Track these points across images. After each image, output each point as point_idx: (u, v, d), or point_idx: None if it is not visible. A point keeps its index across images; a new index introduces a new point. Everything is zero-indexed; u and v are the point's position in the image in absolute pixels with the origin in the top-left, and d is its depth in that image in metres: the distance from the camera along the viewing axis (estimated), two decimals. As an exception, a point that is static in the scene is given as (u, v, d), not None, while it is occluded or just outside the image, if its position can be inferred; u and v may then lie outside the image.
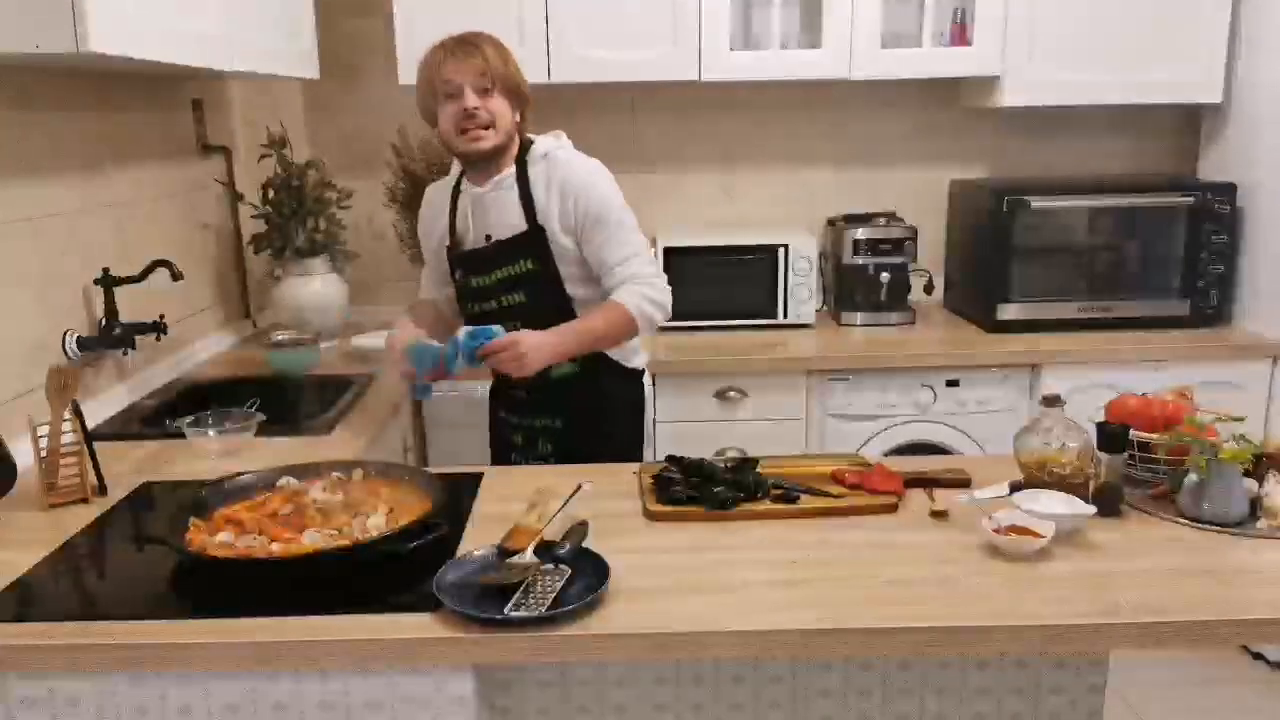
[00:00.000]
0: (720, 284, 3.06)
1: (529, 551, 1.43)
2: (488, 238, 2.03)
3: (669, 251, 3.01)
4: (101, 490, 1.77)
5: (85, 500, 1.74)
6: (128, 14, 1.76)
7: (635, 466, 1.84)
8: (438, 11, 2.86)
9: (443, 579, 1.37)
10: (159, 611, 1.35)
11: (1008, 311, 2.98)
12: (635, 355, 2.18)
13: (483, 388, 2.29)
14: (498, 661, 1.34)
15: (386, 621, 1.31)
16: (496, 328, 1.89)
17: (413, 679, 1.31)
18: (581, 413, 2.09)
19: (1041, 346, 2.86)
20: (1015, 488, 1.63)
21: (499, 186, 2.02)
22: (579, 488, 1.63)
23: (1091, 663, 1.63)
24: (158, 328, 2.33)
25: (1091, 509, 1.54)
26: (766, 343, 2.94)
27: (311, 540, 1.46)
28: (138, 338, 2.31)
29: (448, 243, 2.12)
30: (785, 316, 3.06)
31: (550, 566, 1.41)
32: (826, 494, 1.68)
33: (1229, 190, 2.92)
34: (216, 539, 1.48)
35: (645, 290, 1.98)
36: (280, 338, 2.75)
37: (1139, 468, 1.68)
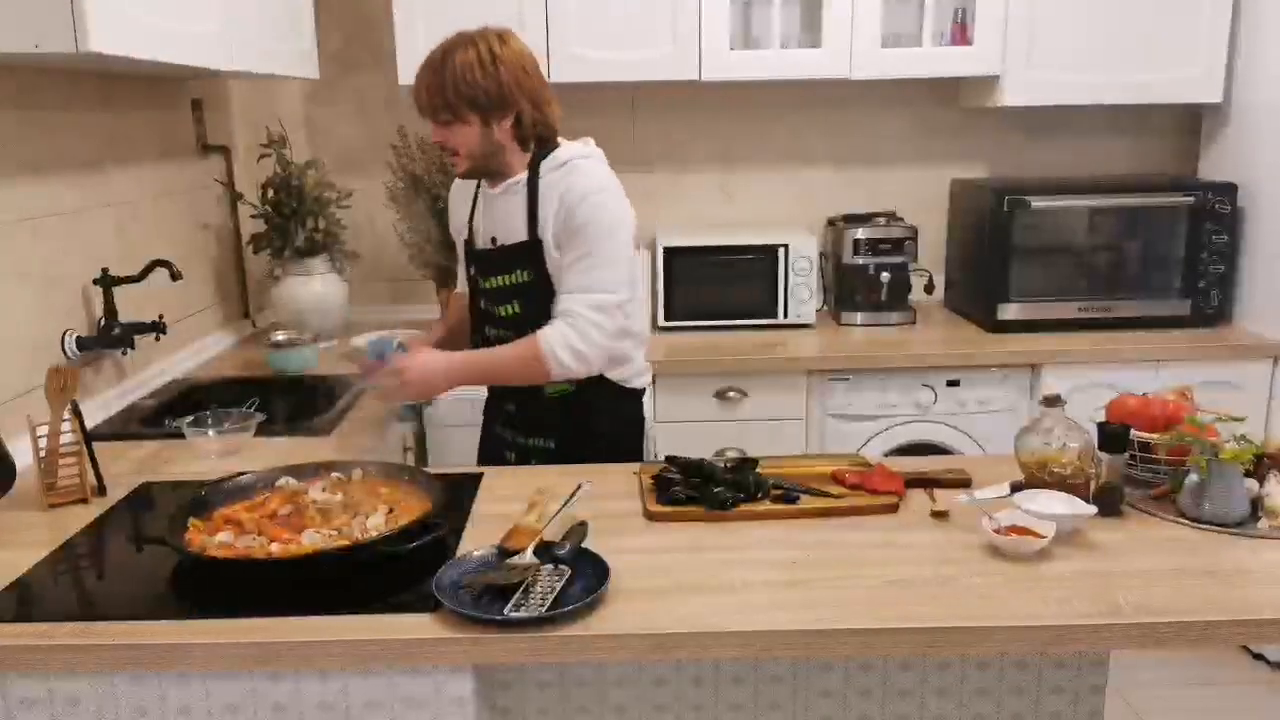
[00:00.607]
0: (720, 284, 3.06)
1: (529, 551, 1.43)
2: (493, 240, 1.99)
3: (669, 251, 3.01)
4: (101, 490, 1.77)
5: (85, 500, 1.74)
6: (128, 14, 1.76)
7: (635, 466, 1.84)
8: (438, 11, 2.86)
9: (443, 579, 1.36)
10: (159, 611, 1.35)
11: (1008, 311, 2.98)
12: (638, 376, 2.08)
13: (483, 391, 2.27)
14: (498, 661, 1.34)
15: (386, 621, 1.31)
16: (395, 340, 1.90)
17: (412, 679, 1.31)
18: (575, 435, 2.00)
19: (1041, 346, 2.85)
20: (1016, 488, 1.63)
21: (509, 191, 1.95)
22: (579, 488, 1.63)
23: (1092, 663, 1.63)
24: (157, 328, 2.33)
25: (1092, 509, 1.53)
26: (766, 343, 2.94)
27: (311, 540, 1.46)
28: (137, 338, 2.31)
29: (465, 236, 2.08)
30: (785, 316, 3.06)
31: (550, 566, 1.41)
32: (826, 494, 1.68)
33: (1229, 190, 2.92)
34: (216, 539, 1.48)
35: (571, 336, 1.84)
36: (280, 338, 2.75)
37: (1139, 468, 1.68)
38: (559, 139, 1.97)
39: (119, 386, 2.37)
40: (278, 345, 2.69)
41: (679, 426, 2.83)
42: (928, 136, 3.34)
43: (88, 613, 1.36)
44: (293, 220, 2.92)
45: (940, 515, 1.61)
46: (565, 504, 1.59)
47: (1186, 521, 1.56)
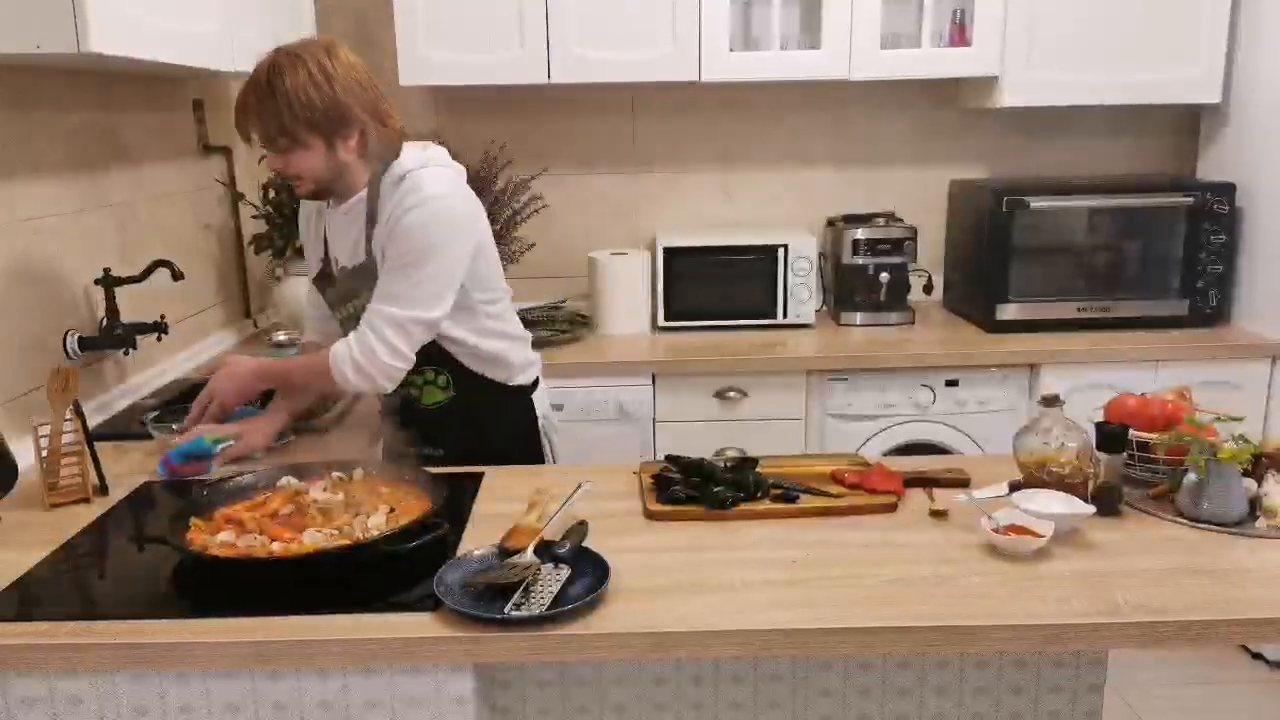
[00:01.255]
0: (720, 284, 3.06)
1: (529, 551, 1.43)
2: (335, 261, 1.91)
3: (669, 251, 3.01)
4: (102, 490, 1.78)
5: (86, 500, 1.74)
6: (128, 14, 1.77)
7: (635, 466, 1.84)
8: (437, 12, 2.87)
9: (443, 579, 1.37)
10: (159, 611, 1.35)
11: (1007, 311, 2.98)
12: (521, 373, 2.02)
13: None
14: (498, 661, 1.34)
15: (386, 621, 1.31)
16: (206, 438, 1.83)
17: (413, 679, 1.31)
18: (464, 441, 1.94)
19: (1041, 346, 2.86)
20: (1014, 487, 1.63)
21: (351, 209, 1.86)
22: (579, 487, 1.64)
23: (1091, 662, 1.64)
24: (158, 328, 2.33)
25: (1091, 509, 1.54)
26: (766, 343, 2.94)
27: (312, 540, 1.46)
28: (139, 338, 2.31)
29: (321, 257, 1.98)
30: (785, 316, 3.07)
31: (550, 566, 1.42)
32: (826, 494, 1.68)
33: (1228, 190, 2.93)
34: (217, 539, 1.48)
35: (355, 352, 1.78)
36: (281, 338, 2.75)
37: (1138, 468, 1.68)
38: (402, 147, 1.86)
39: (121, 386, 2.37)
40: (279, 345, 2.70)
41: (679, 426, 2.83)
42: (927, 137, 3.34)
43: (89, 612, 1.36)
44: (294, 220, 2.92)
45: (939, 515, 1.62)
46: (565, 503, 1.60)
47: (1185, 521, 1.57)
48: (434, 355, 1.92)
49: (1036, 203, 2.92)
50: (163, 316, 2.36)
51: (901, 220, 3.18)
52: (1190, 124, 3.27)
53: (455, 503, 1.64)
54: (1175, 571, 1.42)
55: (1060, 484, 1.60)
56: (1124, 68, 2.96)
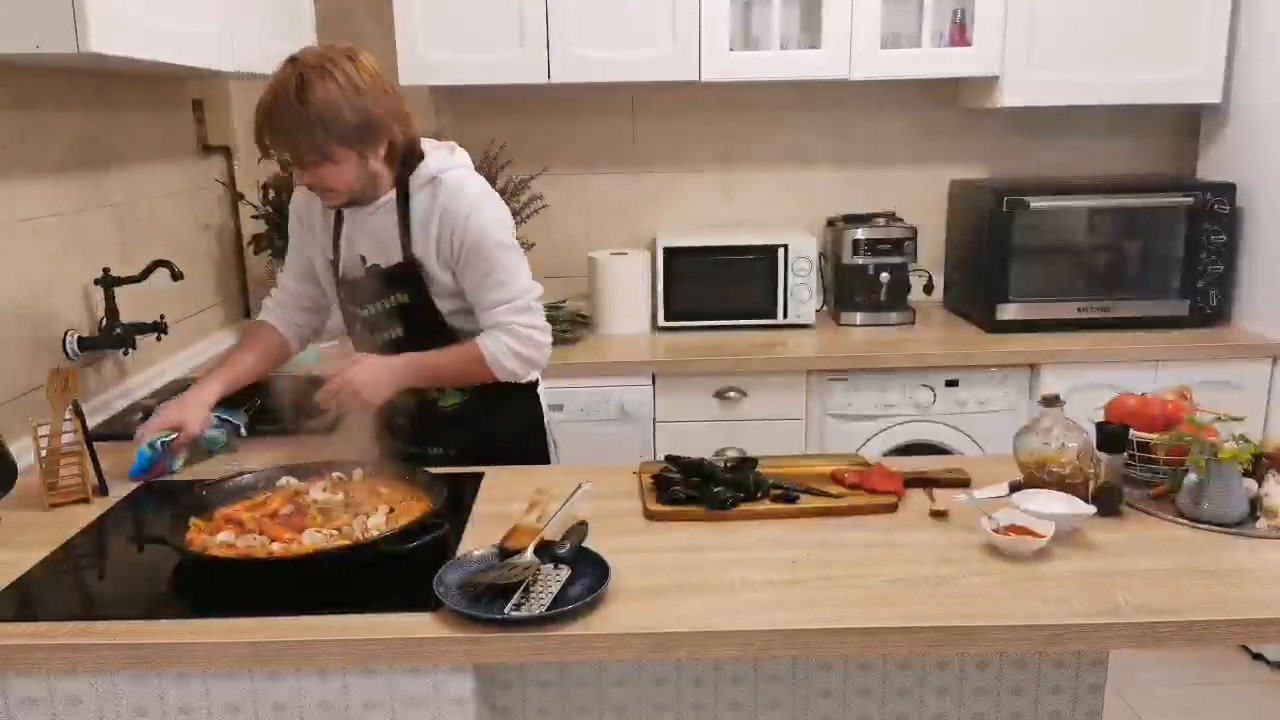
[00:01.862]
0: (720, 284, 3.06)
1: (529, 551, 1.43)
2: (363, 260, 1.90)
3: (669, 251, 3.01)
4: (102, 490, 1.78)
5: (86, 500, 1.74)
6: (128, 14, 1.77)
7: (635, 466, 1.84)
8: (437, 12, 2.87)
9: (443, 579, 1.37)
10: (159, 611, 1.35)
11: (1007, 311, 2.98)
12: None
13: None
14: (498, 661, 1.34)
15: (386, 621, 1.31)
16: (144, 448, 1.81)
17: (413, 679, 1.31)
18: (475, 439, 1.94)
19: (1041, 346, 2.86)
20: (1015, 488, 1.63)
21: (379, 209, 1.85)
22: (579, 487, 1.64)
23: (1091, 662, 1.64)
24: (158, 328, 2.33)
25: (1091, 509, 1.54)
26: (766, 343, 2.94)
27: (311, 540, 1.46)
28: (138, 338, 2.31)
29: (330, 256, 1.96)
30: (785, 316, 3.06)
31: (550, 566, 1.41)
32: (826, 494, 1.68)
33: (1228, 190, 2.93)
34: (217, 539, 1.48)
35: (513, 344, 1.85)
36: (280, 338, 2.75)
37: (1138, 468, 1.68)
38: (423, 146, 1.88)
39: (120, 386, 2.37)
40: (278, 345, 2.69)
41: (679, 426, 2.83)
42: (927, 137, 3.34)
43: (88, 612, 1.36)
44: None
45: (939, 515, 1.62)
46: (565, 504, 1.60)
47: (1185, 521, 1.57)
48: None
49: (1036, 203, 2.92)
50: (162, 316, 2.36)
51: (901, 220, 3.18)
52: (1190, 124, 3.27)
53: (455, 503, 1.64)
54: (1176, 572, 1.42)
55: (1060, 484, 1.60)
56: (1124, 68, 2.96)
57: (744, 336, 3.01)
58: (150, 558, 1.56)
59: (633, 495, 1.72)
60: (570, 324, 3.02)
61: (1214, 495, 1.55)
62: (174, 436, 1.84)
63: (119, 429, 2.16)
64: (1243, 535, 1.53)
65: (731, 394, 2.83)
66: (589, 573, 1.39)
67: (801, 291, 3.05)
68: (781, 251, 3.02)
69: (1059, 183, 3.11)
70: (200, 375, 1.99)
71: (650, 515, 1.64)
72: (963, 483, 1.72)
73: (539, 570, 1.40)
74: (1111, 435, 1.60)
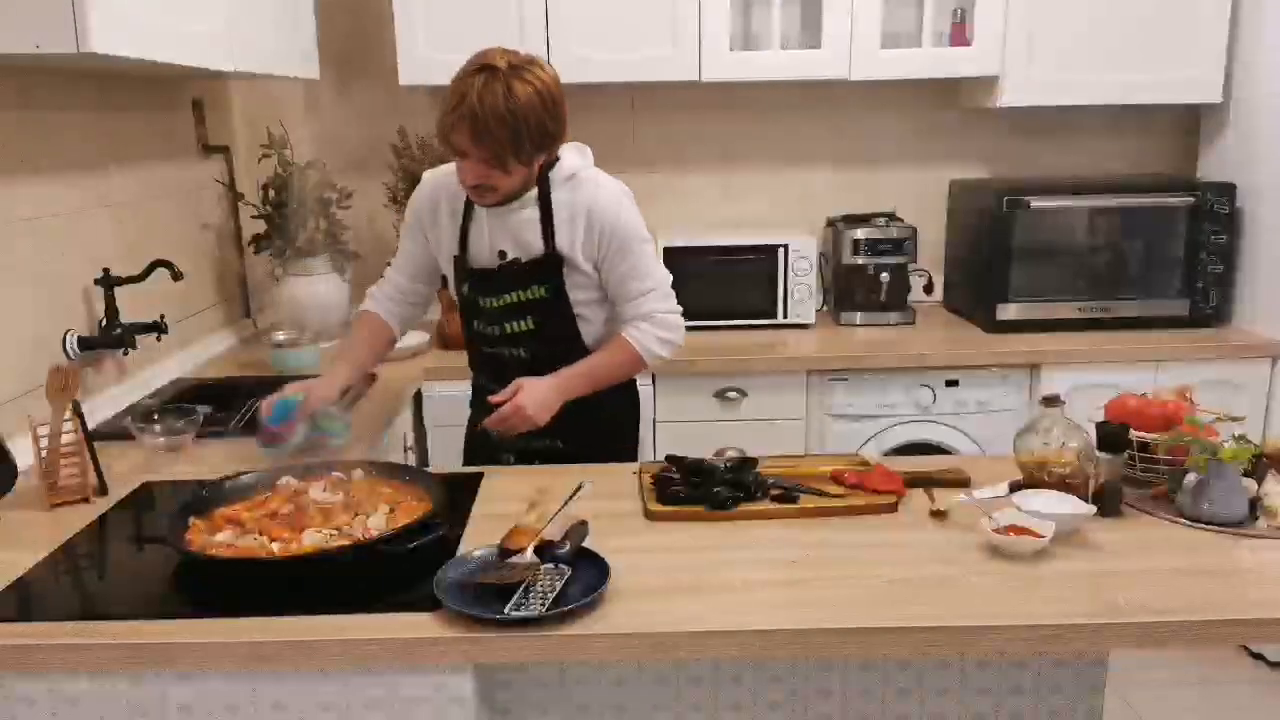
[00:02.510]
0: (720, 284, 3.06)
1: (529, 551, 1.43)
2: (502, 254, 1.94)
3: (669, 251, 3.01)
4: (102, 490, 1.78)
5: (86, 500, 1.74)
6: (128, 14, 1.77)
7: (635, 466, 1.84)
8: (438, 12, 2.87)
9: (443, 579, 1.37)
10: (159, 611, 1.35)
11: (1007, 311, 2.98)
12: None
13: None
14: (498, 661, 1.34)
15: (386, 621, 1.31)
16: (295, 399, 1.88)
17: (413, 679, 1.31)
18: (585, 431, 2.00)
19: (1041, 346, 2.86)
20: (1015, 488, 1.63)
21: (521, 204, 1.91)
22: (579, 487, 1.64)
23: (1091, 663, 1.64)
24: (158, 328, 2.33)
25: (1091, 509, 1.54)
26: (766, 343, 2.94)
27: (311, 540, 1.46)
28: (138, 338, 2.31)
29: (456, 252, 2.00)
30: (785, 316, 3.06)
31: (550, 566, 1.41)
32: (826, 494, 1.68)
33: (1229, 190, 2.92)
34: (217, 538, 1.48)
35: (658, 331, 1.97)
36: (281, 338, 2.75)
37: (1139, 468, 1.68)
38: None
39: (120, 386, 2.37)
40: (279, 345, 2.70)
41: (679, 426, 2.83)
42: (927, 137, 3.34)
43: (88, 612, 1.37)
44: (293, 220, 2.92)
45: (939, 515, 1.62)
46: (565, 504, 1.60)
47: (1185, 521, 1.57)
48: (576, 352, 1.99)
49: (1036, 203, 2.92)
50: (162, 316, 2.36)
51: (901, 220, 3.18)
52: (1190, 124, 3.26)
53: (455, 503, 1.64)
54: (1176, 572, 1.42)
55: (1061, 484, 1.60)
56: (1124, 68, 2.96)
57: (744, 336, 3.01)
58: (150, 558, 1.56)
59: (633, 495, 1.72)
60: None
61: (1214, 495, 1.55)
62: (302, 398, 1.88)
63: (119, 429, 2.16)
64: (1243, 535, 1.53)
65: (731, 394, 2.83)
66: (589, 573, 1.39)
67: (801, 291, 3.05)
68: (781, 251, 3.02)
69: (1059, 183, 3.11)
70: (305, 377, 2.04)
71: (650, 515, 1.64)
72: (963, 483, 1.72)
73: (539, 570, 1.40)
74: (1111, 435, 1.60)
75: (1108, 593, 1.36)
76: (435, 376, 2.76)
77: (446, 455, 2.77)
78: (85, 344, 2.19)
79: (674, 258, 3.01)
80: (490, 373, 2.05)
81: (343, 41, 3.22)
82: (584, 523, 1.51)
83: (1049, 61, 2.95)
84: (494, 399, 1.89)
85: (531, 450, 2.03)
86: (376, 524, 1.51)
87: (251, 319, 3.16)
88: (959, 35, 3.05)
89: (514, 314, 1.97)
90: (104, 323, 2.27)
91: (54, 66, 2.05)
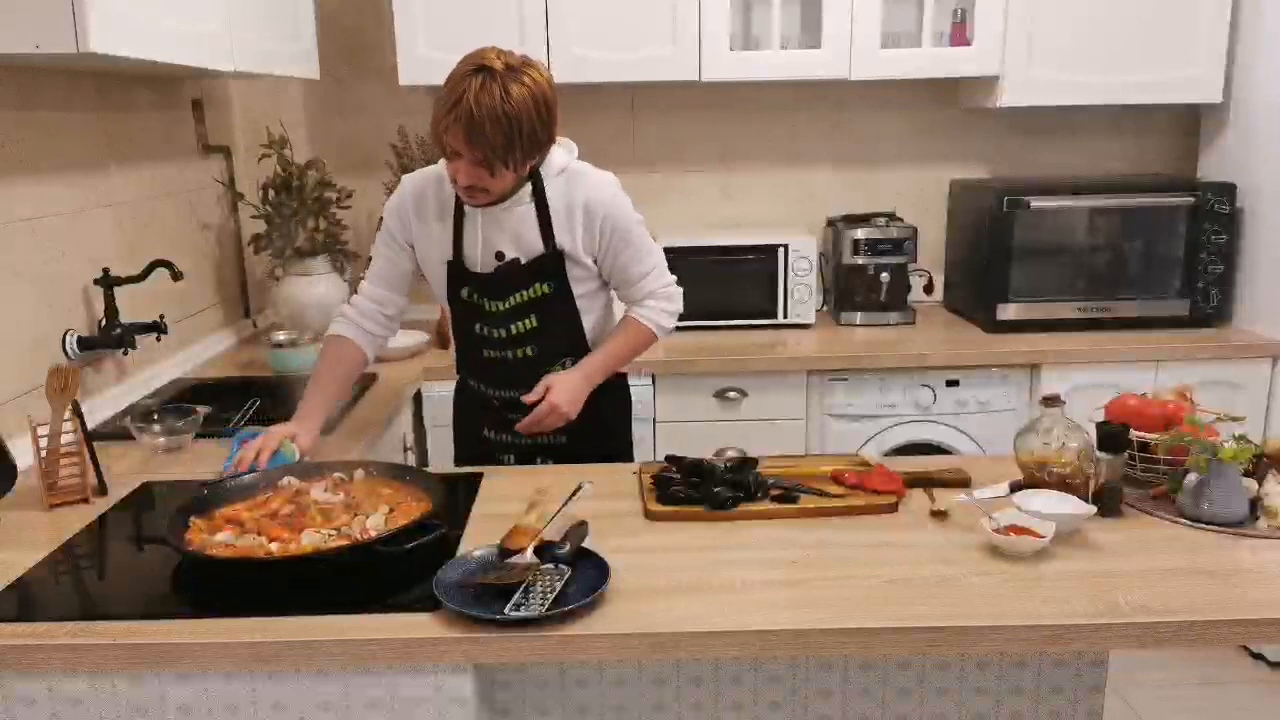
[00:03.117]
0: (720, 284, 3.06)
1: (529, 551, 1.43)
2: (499, 255, 1.91)
3: (669, 251, 2.98)
4: (102, 490, 1.78)
5: (85, 500, 1.74)
6: (128, 14, 1.77)
7: (635, 466, 1.84)
8: (438, 11, 2.87)
9: (443, 579, 1.37)
10: (158, 611, 1.35)
11: (1008, 311, 2.98)
12: None
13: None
14: (498, 661, 1.34)
15: (386, 621, 1.31)
16: (284, 451, 1.81)
17: (412, 679, 1.31)
18: (587, 426, 1.99)
19: (1041, 346, 2.85)
20: (1015, 488, 1.63)
21: (515, 201, 1.89)
22: (579, 488, 1.63)
23: (1091, 662, 1.64)
24: (158, 328, 2.33)
25: (1091, 509, 1.54)
26: (766, 343, 2.94)
27: (309, 540, 1.46)
28: (138, 338, 2.31)
29: (450, 257, 1.95)
30: (785, 316, 3.06)
31: (550, 566, 1.41)
32: (826, 494, 1.68)
33: (1229, 190, 2.92)
34: (216, 538, 1.48)
35: (664, 305, 2.01)
36: (280, 338, 2.75)
37: (1139, 468, 1.68)
38: None
39: (120, 386, 2.37)
40: (278, 345, 2.70)
41: (679, 426, 2.83)
42: (927, 137, 3.34)
43: (88, 612, 1.36)
44: (293, 220, 2.92)
45: (940, 515, 1.62)
46: (565, 504, 1.59)
47: (1186, 521, 1.57)
48: (578, 345, 2.00)
49: (1036, 203, 2.92)
50: (162, 316, 2.36)
51: (902, 220, 3.18)
52: (1190, 124, 3.26)
53: (455, 503, 1.64)
54: (1176, 572, 1.42)
55: (1061, 484, 1.60)
56: (1124, 68, 2.96)
57: (744, 336, 3.00)
58: (150, 558, 1.56)
59: (633, 495, 1.72)
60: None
61: (1214, 495, 1.55)
62: (294, 449, 1.83)
63: (119, 429, 2.16)
64: (1243, 535, 1.53)
65: (731, 394, 2.83)
66: (589, 573, 1.39)
67: (801, 291, 3.05)
68: (781, 251, 3.02)
69: (1059, 183, 3.11)
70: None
71: (650, 515, 1.64)
72: (963, 483, 1.72)
73: (539, 571, 1.40)
74: (1111, 435, 1.60)
75: (1108, 593, 1.35)
76: (435, 376, 2.76)
77: (446, 455, 2.76)
78: (85, 344, 2.19)
79: (674, 258, 2.95)
80: (491, 376, 2.03)
81: (343, 41, 3.22)
82: (584, 523, 1.51)
83: (1049, 61, 2.95)
84: (527, 399, 1.90)
85: (534, 448, 2.03)
86: (375, 524, 1.51)
87: (251, 319, 3.16)
88: (959, 35, 3.05)
89: (519, 314, 1.96)
90: (104, 323, 2.27)
91: (54, 66, 2.05)
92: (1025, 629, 1.29)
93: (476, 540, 1.52)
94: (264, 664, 1.29)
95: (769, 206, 3.38)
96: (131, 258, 2.41)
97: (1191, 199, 2.93)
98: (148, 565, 1.54)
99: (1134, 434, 1.66)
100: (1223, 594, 1.36)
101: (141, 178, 2.53)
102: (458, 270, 1.96)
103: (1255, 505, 1.57)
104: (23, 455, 1.77)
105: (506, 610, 1.31)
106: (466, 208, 1.91)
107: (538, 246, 1.91)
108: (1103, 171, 3.34)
